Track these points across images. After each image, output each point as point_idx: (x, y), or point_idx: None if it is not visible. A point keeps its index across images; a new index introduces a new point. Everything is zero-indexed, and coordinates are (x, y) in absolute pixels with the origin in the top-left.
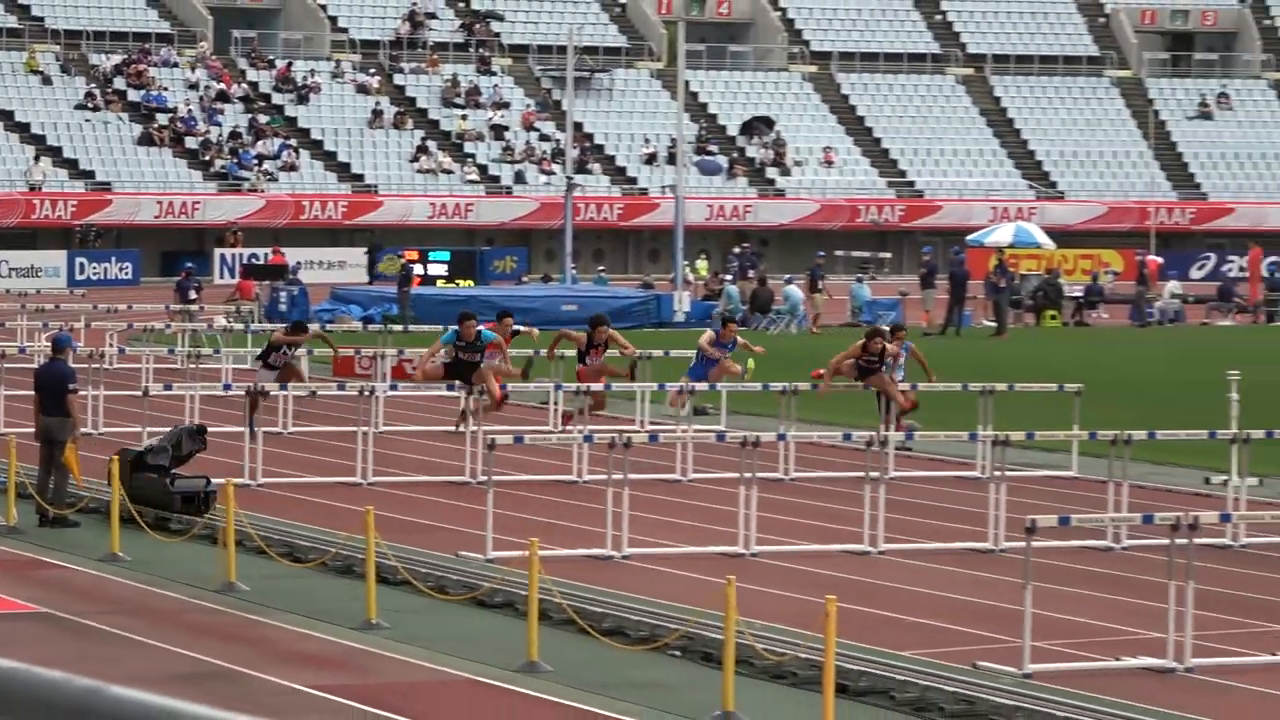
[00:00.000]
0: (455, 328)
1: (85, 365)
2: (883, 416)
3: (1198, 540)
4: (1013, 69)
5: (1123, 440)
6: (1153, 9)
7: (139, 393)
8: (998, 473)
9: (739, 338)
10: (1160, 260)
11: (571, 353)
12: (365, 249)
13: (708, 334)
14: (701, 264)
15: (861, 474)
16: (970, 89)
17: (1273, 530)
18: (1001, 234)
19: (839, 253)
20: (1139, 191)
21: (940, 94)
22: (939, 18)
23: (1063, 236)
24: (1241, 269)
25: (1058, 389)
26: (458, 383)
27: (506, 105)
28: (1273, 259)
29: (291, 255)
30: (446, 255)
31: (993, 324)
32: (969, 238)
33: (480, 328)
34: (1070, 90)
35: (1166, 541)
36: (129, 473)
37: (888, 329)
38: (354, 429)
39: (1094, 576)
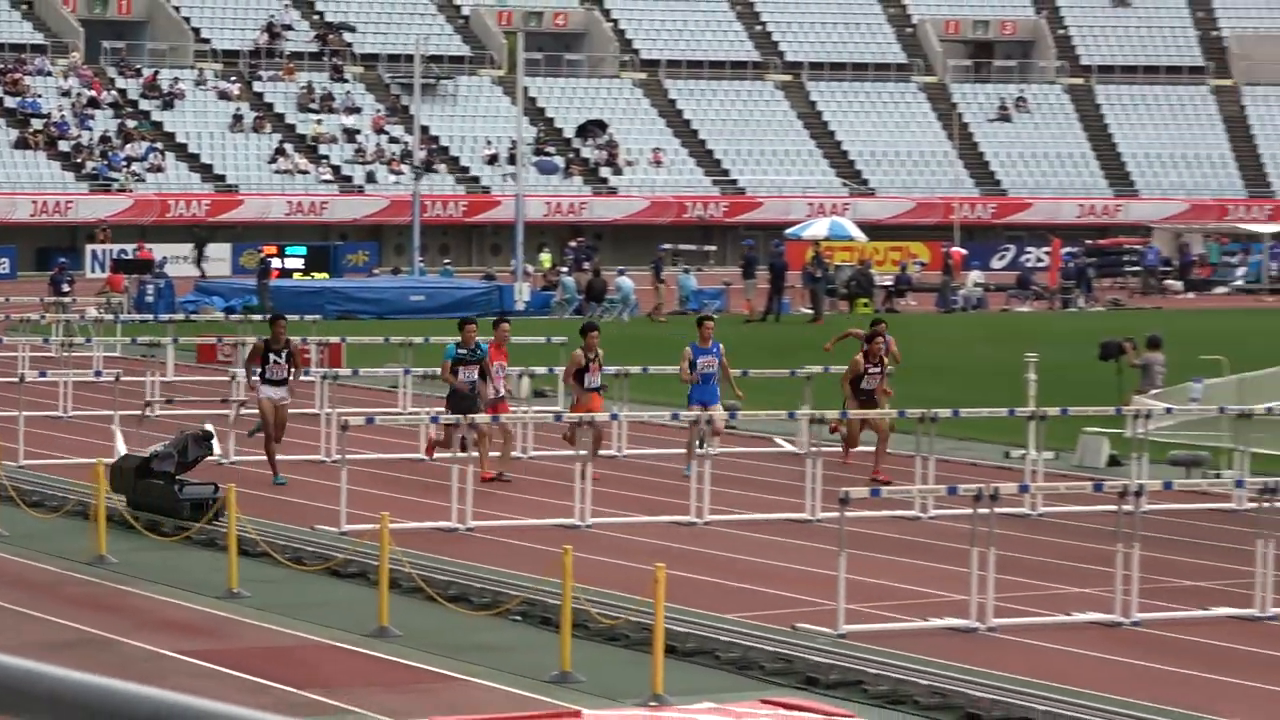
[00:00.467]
0: (456, 339)
1: None
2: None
3: (998, 510)
4: (827, 75)
5: (929, 418)
6: (956, 19)
7: (15, 379)
8: (814, 448)
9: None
10: (964, 251)
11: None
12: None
13: (685, 352)
14: (545, 256)
15: (700, 452)
16: (788, 94)
17: (1067, 500)
18: (817, 228)
19: (667, 246)
20: (944, 188)
21: (760, 99)
22: (759, 28)
23: (874, 230)
24: (1039, 259)
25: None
26: (451, 413)
27: (358, 110)
28: (1069, 249)
29: (158, 251)
30: (303, 250)
31: (809, 311)
32: (787, 231)
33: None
34: (880, 95)
35: (970, 511)
36: (134, 479)
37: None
38: (217, 412)
39: (903, 544)
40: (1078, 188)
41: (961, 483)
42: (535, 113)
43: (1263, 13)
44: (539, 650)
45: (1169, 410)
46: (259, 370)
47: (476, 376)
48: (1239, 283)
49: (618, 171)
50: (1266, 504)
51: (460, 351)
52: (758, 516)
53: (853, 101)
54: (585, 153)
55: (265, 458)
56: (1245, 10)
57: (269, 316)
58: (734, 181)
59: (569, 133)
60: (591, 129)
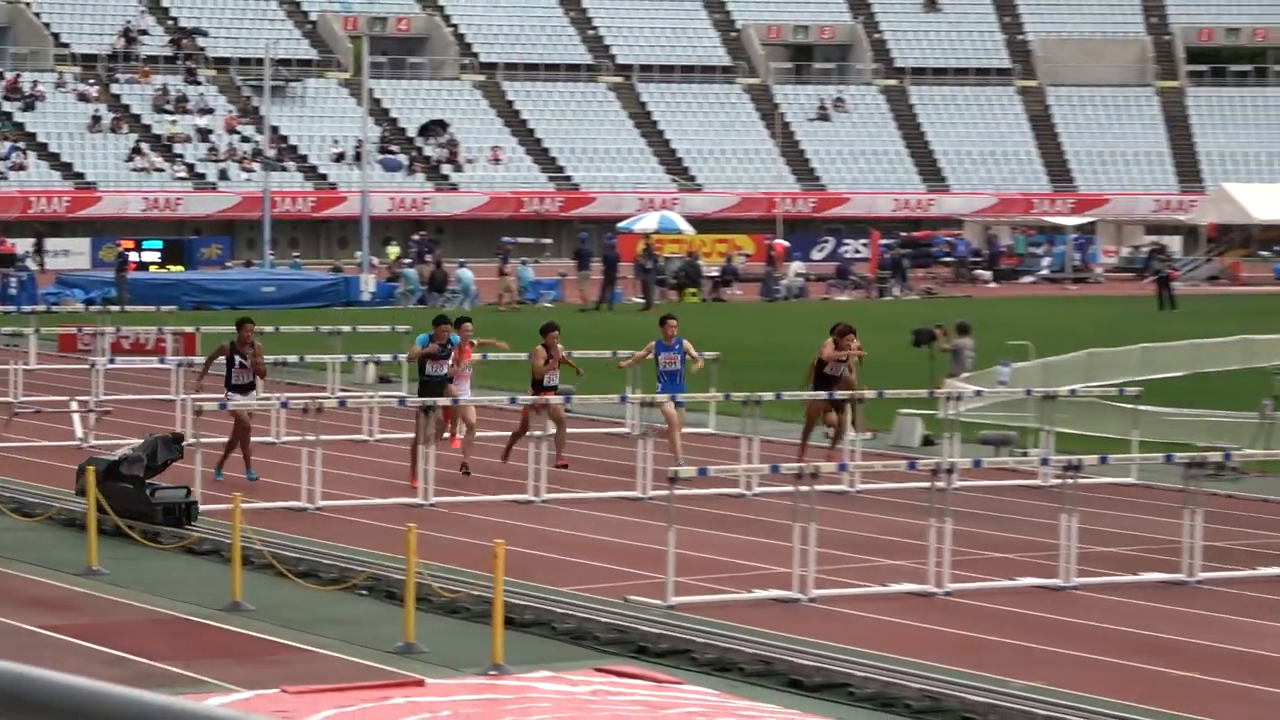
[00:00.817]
0: (429, 333)
1: None
2: (828, 433)
3: (819, 487)
4: (656, 77)
5: (754, 401)
6: (777, 25)
7: None
8: (645, 430)
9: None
10: (786, 243)
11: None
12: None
13: (648, 346)
14: (393, 249)
15: (536, 433)
16: (619, 95)
17: (884, 478)
18: (648, 222)
19: (506, 239)
20: (767, 184)
21: (594, 99)
22: (591, 32)
23: (701, 223)
24: (857, 250)
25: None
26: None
27: (211, 111)
28: (885, 241)
29: (20, 245)
30: (159, 244)
31: (641, 300)
32: (619, 225)
33: (451, 336)
34: (706, 96)
35: (792, 489)
36: (101, 482)
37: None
38: (78, 398)
39: (730, 520)
40: (893, 183)
41: (784, 462)
42: (380, 113)
43: (1065, 18)
44: (384, 623)
45: (979, 392)
46: (225, 377)
47: (444, 370)
48: (1044, 272)
49: (458, 169)
50: (1070, 480)
51: (431, 345)
52: (592, 495)
53: (680, 102)
54: (427, 151)
55: (241, 457)
56: (1049, 16)
57: (238, 319)
58: (569, 178)
59: (412, 132)
60: (433, 128)
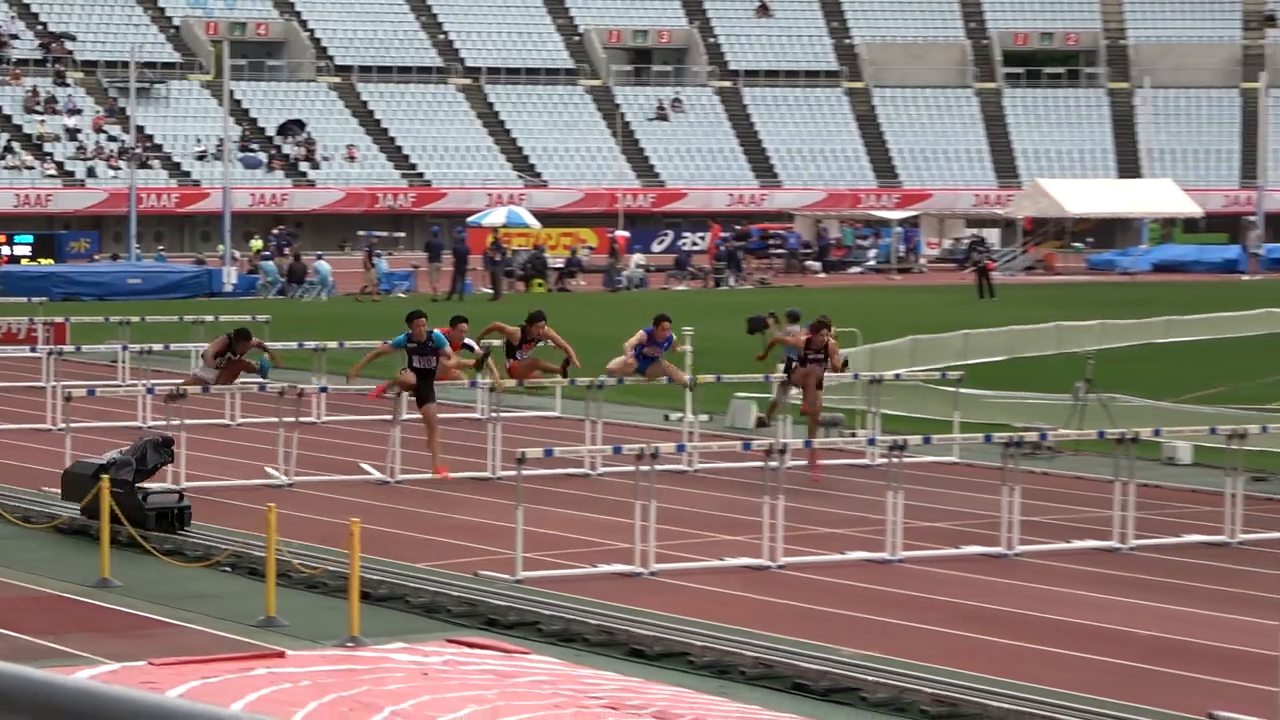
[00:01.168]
0: (407, 332)
1: None
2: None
3: (659, 466)
4: (503, 79)
5: (596, 385)
6: (618, 29)
7: None
8: (494, 414)
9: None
10: (626, 235)
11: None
12: None
13: (639, 334)
14: (256, 242)
15: (386, 418)
16: (468, 96)
17: (720, 458)
18: (496, 216)
19: (361, 233)
20: (609, 180)
21: (444, 100)
22: (442, 36)
23: (547, 218)
24: (695, 243)
25: (541, 344)
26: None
27: (79, 111)
28: (723, 234)
29: None
30: (30, 238)
31: (490, 291)
32: (469, 219)
33: (432, 330)
34: (551, 97)
35: (634, 468)
36: (89, 487)
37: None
38: None
39: (575, 498)
40: (728, 179)
41: (626, 443)
42: (240, 113)
43: (889, 23)
44: (246, 598)
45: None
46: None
47: (434, 365)
48: (871, 263)
49: (315, 166)
50: (895, 459)
51: (411, 344)
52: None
53: (526, 103)
54: (286, 149)
55: None
56: (874, 20)
57: (237, 330)
58: (421, 175)
59: (271, 131)
60: (291, 128)
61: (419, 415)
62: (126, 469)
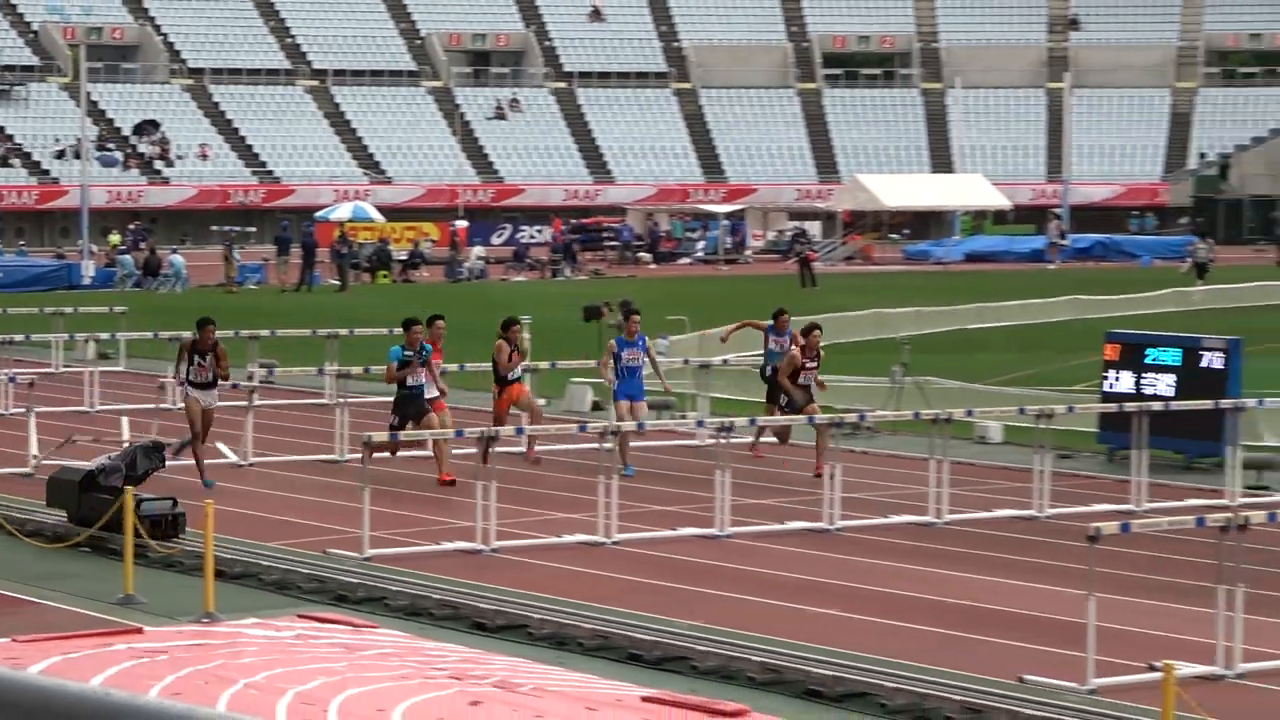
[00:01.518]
0: (399, 346)
1: None
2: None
3: (499, 449)
4: (349, 80)
5: (441, 371)
6: (458, 33)
7: None
8: (341, 399)
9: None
10: (466, 225)
11: None
12: None
13: (610, 344)
14: (114, 237)
15: (240, 404)
16: (315, 96)
17: (558, 440)
18: (342, 211)
19: (214, 228)
20: (450, 176)
21: (292, 101)
22: (289, 40)
23: (391, 212)
24: (532, 236)
25: (388, 333)
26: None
27: None
28: (563, 226)
29: None
30: None
31: (337, 282)
32: (317, 214)
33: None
34: (394, 97)
35: (475, 450)
36: (77, 493)
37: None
38: None
39: (421, 480)
40: (563, 175)
41: (468, 426)
42: (97, 114)
43: (715, 26)
44: (106, 578)
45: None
46: (185, 374)
47: (423, 379)
48: (699, 254)
49: (169, 164)
50: (723, 440)
51: (406, 353)
52: (295, 458)
53: (371, 103)
54: (141, 148)
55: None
56: (700, 24)
57: (198, 319)
58: (270, 172)
59: (127, 131)
60: (146, 128)
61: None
62: (116, 475)
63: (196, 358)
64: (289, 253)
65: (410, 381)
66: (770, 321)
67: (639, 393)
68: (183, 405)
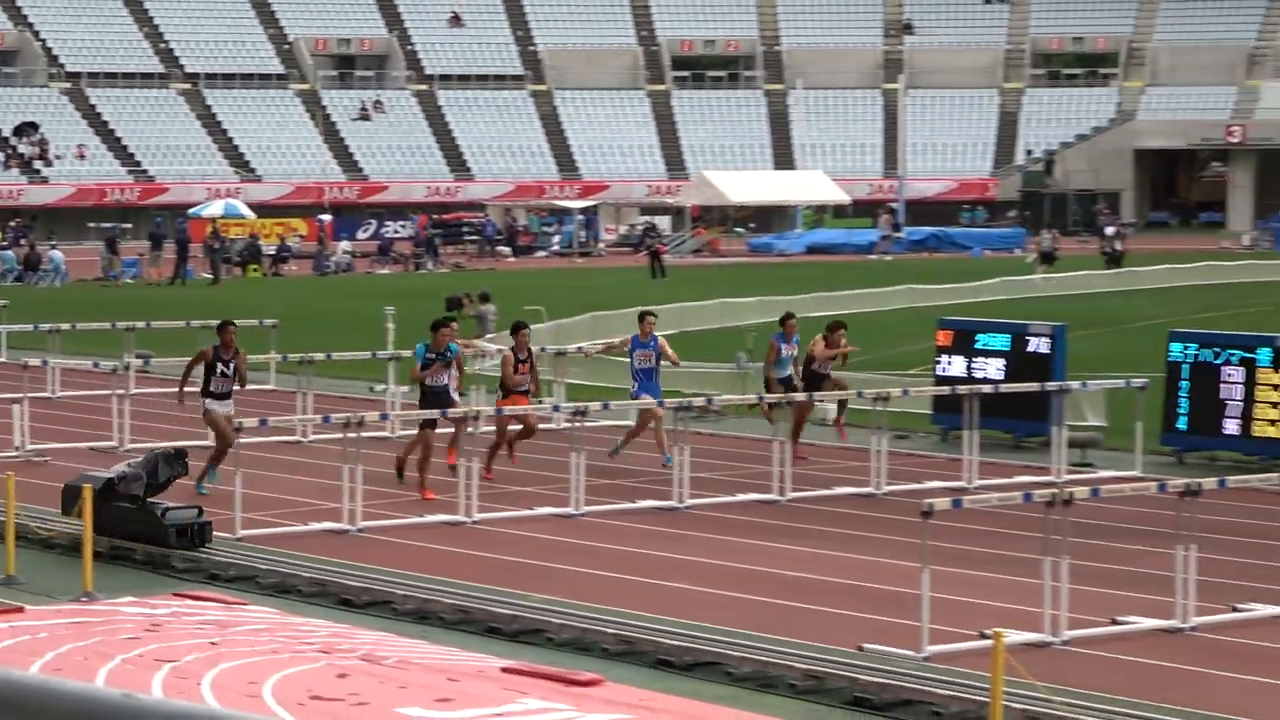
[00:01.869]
0: (425, 342)
1: None
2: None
3: (365, 433)
4: (220, 84)
5: (308, 360)
6: (324, 37)
7: None
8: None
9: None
10: (331, 220)
11: None
12: None
13: (625, 339)
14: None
15: (119, 392)
16: (188, 99)
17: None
18: (214, 208)
19: (91, 224)
20: (317, 174)
21: (166, 103)
22: (163, 45)
23: (261, 209)
24: (397, 231)
25: (259, 324)
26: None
27: None
28: (427, 222)
29: None
30: None
31: (209, 276)
32: (190, 211)
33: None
34: (264, 100)
35: (341, 435)
36: (97, 502)
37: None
38: None
39: (288, 463)
40: (425, 173)
41: (334, 412)
42: None
43: (569, 31)
44: None
45: (500, 350)
46: (203, 384)
47: (446, 380)
48: (555, 248)
49: (49, 164)
50: (578, 424)
51: (430, 355)
52: (173, 444)
53: (241, 105)
54: (21, 149)
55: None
56: (555, 29)
57: (219, 323)
58: (145, 171)
59: (7, 132)
60: (26, 129)
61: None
62: (137, 483)
63: (220, 366)
64: (162, 248)
65: (429, 382)
66: (779, 330)
67: (656, 392)
68: (201, 418)
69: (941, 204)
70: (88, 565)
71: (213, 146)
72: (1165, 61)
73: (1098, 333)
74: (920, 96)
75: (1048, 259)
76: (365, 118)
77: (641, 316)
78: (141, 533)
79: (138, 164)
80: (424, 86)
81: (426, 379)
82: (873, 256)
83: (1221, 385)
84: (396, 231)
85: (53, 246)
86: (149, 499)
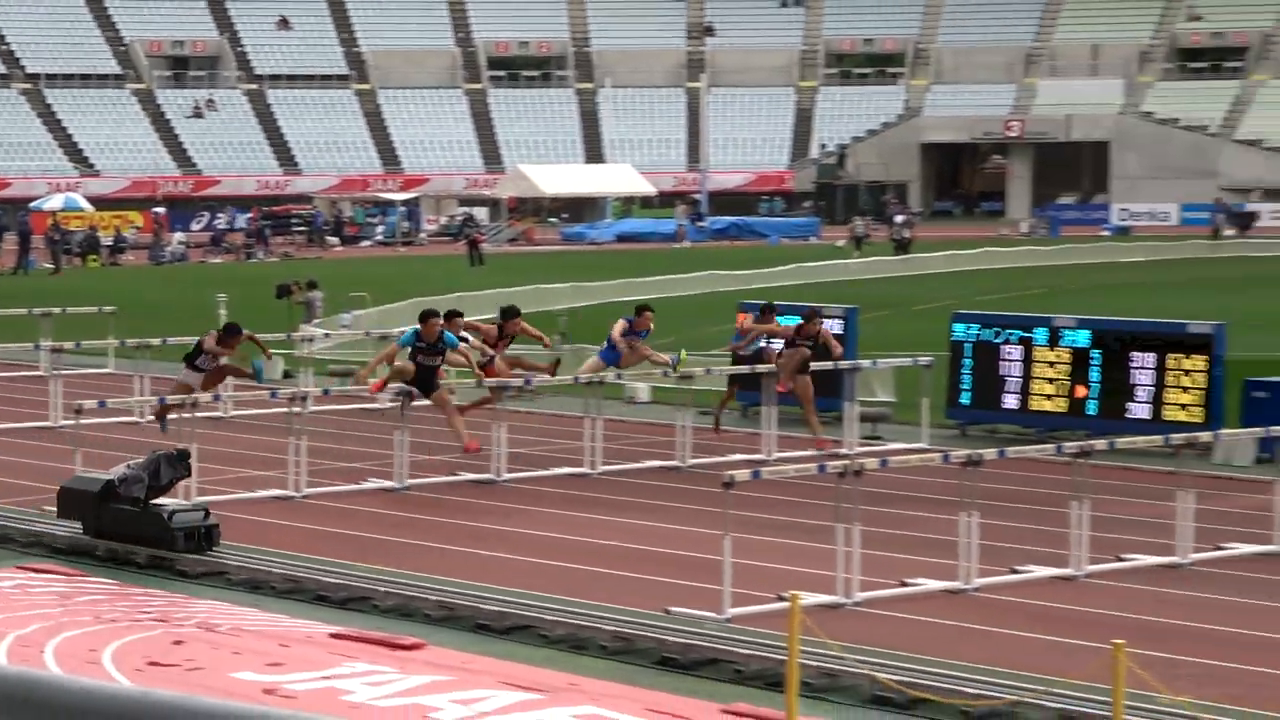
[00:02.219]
0: (415, 327)
1: None
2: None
3: (198, 414)
4: (59, 84)
5: (145, 345)
6: (159, 40)
7: None
8: (55, 372)
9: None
10: (165, 212)
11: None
12: None
13: (620, 323)
14: None
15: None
16: (29, 99)
17: (251, 405)
18: (55, 201)
19: None
20: (153, 170)
21: (8, 102)
22: (5, 47)
23: (100, 203)
24: (229, 223)
25: (98, 311)
26: (415, 391)
27: None
28: (259, 214)
29: None
30: None
31: (51, 266)
32: (31, 204)
33: (443, 329)
34: (102, 98)
35: (177, 416)
36: (95, 504)
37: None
38: None
39: (126, 443)
40: (255, 168)
41: (169, 395)
42: None
43: (391, 33)
44: None
45: (326, 335)
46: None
47: (437, 363)
48: (379, 237)
49: None
50: (404, 405)
51: (419, 343)
52: (11, 425)
53: (80, 104)
54: None
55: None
56: (378, 31)
57: (230, 325)
58: None
59: None
60: None
61: (429, 403)
62: (138, 485)
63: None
64: (3, 240)
65: (421, 360)
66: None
67: (614, 363)
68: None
69: (742, 195)
70: None
71: (53, 143)
72: (949, 61)
73: (887, 314)
74: (721, 94)
75: (903, 247)
76: (198, 116)
77: (639, 311)
78: (148, 536)
79: None
80: (254, 86)
81: (419, 358)
82: (679, 245)
83: (1001, 363)
84: (228, 223)
85: None
86: (150, 500)
